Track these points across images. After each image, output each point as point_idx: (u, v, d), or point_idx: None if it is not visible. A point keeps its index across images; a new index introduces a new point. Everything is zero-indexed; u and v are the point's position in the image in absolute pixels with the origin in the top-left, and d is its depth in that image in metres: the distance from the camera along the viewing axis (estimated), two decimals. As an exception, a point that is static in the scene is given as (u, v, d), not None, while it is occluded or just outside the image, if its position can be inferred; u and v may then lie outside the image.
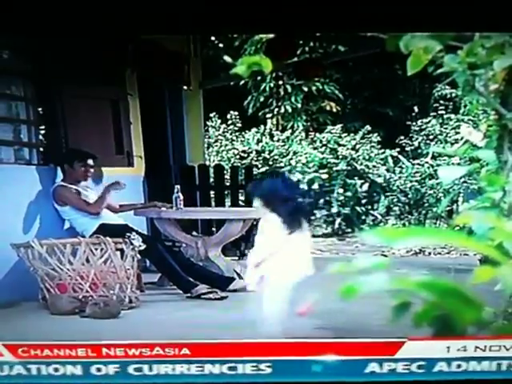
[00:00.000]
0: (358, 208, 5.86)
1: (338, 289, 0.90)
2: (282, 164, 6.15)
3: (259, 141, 6.35)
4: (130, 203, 3.56)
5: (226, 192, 4.81)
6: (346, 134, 6.19)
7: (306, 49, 5.50)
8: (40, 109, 3.53)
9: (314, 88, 6.54)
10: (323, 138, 6.20)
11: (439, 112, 5.98)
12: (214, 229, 4.13)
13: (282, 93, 6.58)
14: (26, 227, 3.17)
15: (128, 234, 3.00)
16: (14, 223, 3.07)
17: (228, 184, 4.83)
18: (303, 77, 5.52)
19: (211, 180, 4.75)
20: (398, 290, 0.98)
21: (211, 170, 4.81)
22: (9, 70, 3.24)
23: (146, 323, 2.70)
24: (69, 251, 2.90)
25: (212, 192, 4.74)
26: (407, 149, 6.09)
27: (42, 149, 3.55)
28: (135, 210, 3.54)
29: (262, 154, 6.20)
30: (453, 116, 5.85)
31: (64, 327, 2.62)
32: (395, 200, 5.82)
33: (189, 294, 3.11)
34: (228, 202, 4.82)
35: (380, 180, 5.90)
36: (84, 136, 3.60)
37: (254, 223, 4.81)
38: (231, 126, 6.59)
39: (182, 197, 3.49)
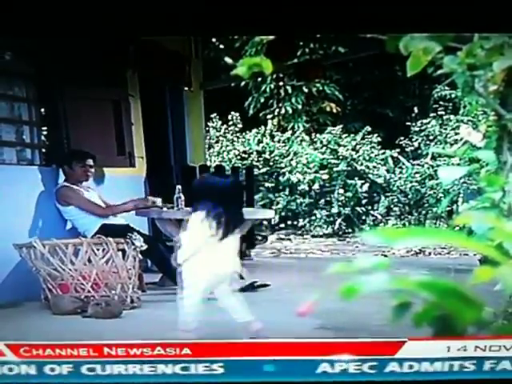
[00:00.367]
0: (358, 208, 5.87)
1: (339, 289, 0.90)
2: (283, 164, 6.16)
3: (260, 141, 6.36)
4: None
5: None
6: (346, 135, 6.21)
7: (307, 50, 5.51)
8: (42, 110, 3.55)
9: (314, 89, 6.55)
10: (324, 138, 6.21)
11: (439, 113, 5.99)
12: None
13: (283, 94, 6.59)
14: (28, 227, 3.18)
15: (129, 235, 3.00)
16: (16, 223, 3.07)
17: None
18: (304, 78, 5.53)
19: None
20: (398, 290, 0.98)
21: (212, 171, 4.82)
22: (11, 71, 3.26)
23: (148, 323, 2.70)
24: (71, 251, 2.90)
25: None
26: (407, 149, 6.11)
27: (44, 150, 3.56)
28: (137, 211, 3.55)
29: (263, 155, 6.21)
30: (452, 117, 5.85)
31: (66, 327, 2.62)
32: (395, 200, 5.84)
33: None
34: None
35: (380, 180, 5.91)
36: (86, 137, 3.61)
37: (255, 223, 4.86)
38: (232, 127, 6.60)
39: (183, 197, 3.49)
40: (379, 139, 6.14)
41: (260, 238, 5.46)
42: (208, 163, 5.57)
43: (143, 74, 4.05)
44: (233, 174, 4.42)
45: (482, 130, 1.80)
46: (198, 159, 4.87)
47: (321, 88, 6.55)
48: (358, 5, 1.70)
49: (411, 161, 5.97)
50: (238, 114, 6.63)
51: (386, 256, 4.33)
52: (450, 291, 0.92)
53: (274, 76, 6.22)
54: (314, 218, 5.97)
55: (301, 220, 6.08)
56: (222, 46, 5.88)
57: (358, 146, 6.07)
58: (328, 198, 5.94)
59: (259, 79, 6.26)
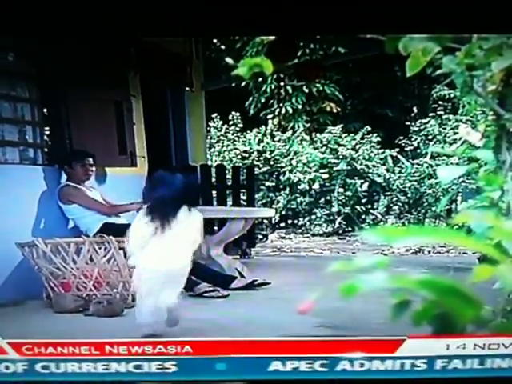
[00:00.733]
0: (358, 207, 5.88)
1: (339, 287, 0.90)
2: (283, 164, 6.17)
3: (260, 141, 6.37)
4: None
5: (227, 191, 4.83)
6: (346, 135, 6.21)
7: (307, 51, 5.52)
8: (45, 110, 3.56)
9: (314, 89, 6.55)
10: (324, 138, 6.22)
11: (438, 112, 5.99)
12: (215, 228, 4.15)
13: (283, 94, 6.59)
14: (30, 226, 3.19)
15: (131, 233, 3.02)
16: (18, 222, 3.08)
17: (230, 184, 4.86)
18: (304, 78, 5.54)
19: (213, 180, 4.78)
20: (398, 288, 0.97)
21: (213, 170, 4.84)
22: (14, 72, 3.27)
23: (149, 321, 2.72)
24: (73, 250, 2.91)
25: (214, 191, 4.77)
26: (406, 149, 6.11)
27: (46, 149, 3.58)
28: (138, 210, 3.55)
29: (264, 154, 6.22)
30: (451, 116, 5.86)
31: (68, 325, 2.62)
32: (395, 199, 5.84)
33: (191, 293, 3.12)
34: (230, 201, 4.85)
35: (380, 180, 5.92)
36: (88, 136, 3.63)
37: (256, 222, 4.87)
38: (233, 127, 6.60)
39: (184, 196, 3.50)
40: (379, 139, 6.14)
41: (260, 236, 5.48)
42: (209, 163, 5.58)
43: (145, 74, 4.07)
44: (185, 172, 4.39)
45: (480, 129, 1.79)
46: (199, 159, 4.88)
47: (321, 88, 6.56)
48: (357, 6, 1.71)
49: (410, 160, 5.98)
50: (238, 114, 6.62)
51: (385, 254, 4.34)
52: (449, 289, 0.92)
53: (275, 76, 6.23)
54: (314, 216, 5.98)
55: (301, 219, 6.09)
56: (222, 47, 5.89)
57: (357, 146, 6.07)
58: (328, 197, 5.95)
59: (260, 79, 6.26)
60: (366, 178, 5.93)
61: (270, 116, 6.76)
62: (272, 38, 3.22)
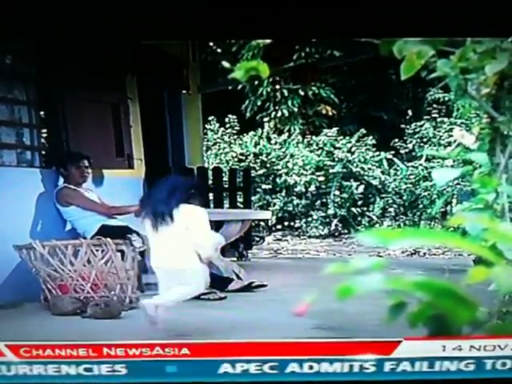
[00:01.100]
0: (353, 209, 5.90)
1: (335, 289, 0.92)
2: (280, 166, 6.19)
3: (257, 144, 6.39)
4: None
5: (224, 194, 4.84)
6: (341, 137, 6.23)
7: (303, 54, 5.54)
8: (42, 112, 3.56)
9: (310, 92, 6.58)
10: (319, 140, 6.24)
11: (432, 115, 6.04)
12: (212, 230, 4.15)
13: (279, 97, 6.61)
14: (28, 229, 3.19)
15: (128, 236, 3.03)
16: (16, 225, 3.09)
17: (226, 186, 4.87)
18: (300, 81, 5.56)
19: (210, 182, 4.79)
20: (394, 290, 0.96)
21: (210, 173, 4.85)
22: (12, 74, 3.27)
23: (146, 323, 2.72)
24: (70, 252, 2.91)
25: (211, 194, 4.78)
26: (401, 151, 6.14)
27: (44, 152, 3.58)
28: (136, 212, 3.56)
29: (260, 157, 6.24)
30: (446, 119, 5.90)
31: (65, 328, 2.62)
32: (390, 201, 5.87)
33: (188, 295, 3.13)
34: (226, 203, 4.86)
35: (375, 182, 5.94)
36: (85, 139, 3.63)
37: (253, 224, 4.87)
38: (229, 130, 6.62)
39: (181, 199, 3.51)
40: (374, 141, 6.17)
41: (257, 238, 5.48)
42: (206, 165, 5.58)
43: (142, 77, 4.08)
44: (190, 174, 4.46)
45: (474, 132, 1.79)
46: (195, 161, 4.89)
47: (316, 91, 6.59)
48: (353, 10, 1.73)
49: (405, 163, 6.01)
50: (235, 117, 6.65)
51: (381, 256, 4.36)
52: (444, 291, 0.92)
53: (271, 79, 6.24)
54: (310, 219, 6.00)
55: (297, 221, 6.10)
56: (219, 50, 5.90)
57: (353, 148, 6.10)
58: (324, 200, 5.97)
59: (256, 83, 6.28)
60: (361, 181, 5.96)
61: (266, 119, 6.77)
62: (268, 41, 3.24)
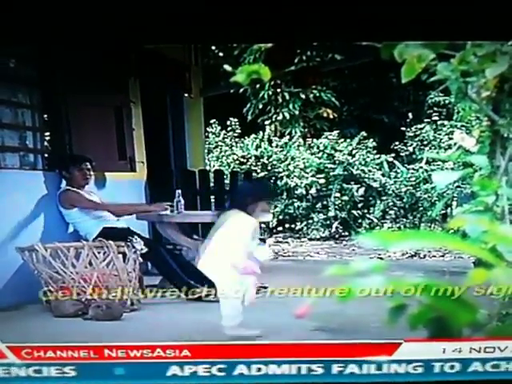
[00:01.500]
0: (354, 212, 5.90)
1: (335, 291, 0.92)
2: (281, 169, 6.19)
3: (258, 146, 6.39)
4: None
5: (225, 196, 4.85)
6: (342, 140, 6.23)
7: (304, 57, 5.56)
8: (45, 116, 3.58)
9: (311, 95, 6.58)
10: (320, 143, 6.25)
11: (433, 118, 6.04)
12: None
13: (281, 100, 6.61)
14: (30, 231, 3.21)
15: (130, 238, 3.04)
16: (18, 227, 3.11)
17: (228, 188, 4.88)
18: (301, 85, 5.58)
19: (211, 185, 4.80)
20: (394, 292, 1.00)
21: (211, 175, 4.86)
22: (15, 78, 3.29)
23: (148, 325, 2.72)
24: (72, 254, 2.92)
25: (212, 196, 4.79)
26: (402, 154, 6.14)
27: (46, 155, 3.60)
28: (137, 214, 3.58)
29: (261, 160, 6.24)
30: (446, 122, 5.90)
31: (67, 329, 2.64)
32: (391, 204, 5.86)
33: (190, 297, 3.14)
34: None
35: (376, 184, 5.94)
36: (88, 141, 3.66)
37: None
38: (231, 133, 6.63)
39: (182, 201, 3.53)
40: (375, 144, 6.17)
41: (258, 240, 5.46)
42: (207, 168, 5.60)
43: (144, 80, 4.11)
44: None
45: (475, 135, 1.81)
46: (197, 164, 4.91)
47: (317, 94, 6.59)
48: (354, 13, 1.74)
49: (406, 165, 6.00)
50: (236, 120, 6.66)
51: (381, 259, 4.36)
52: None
53: (272, 83, 6.26)
54: (311, 221, 6.00)
55: (298, 223, 6.10)
56: (221, 54, 5.92)
57: (354, 151, 6.10)
58: (325, 202, 5.97)
59: (258, 86, 6.29)
60: (362, 183, 5.95)
61: (267, 122, 6.77)
62: (270, 45, 3.25)
